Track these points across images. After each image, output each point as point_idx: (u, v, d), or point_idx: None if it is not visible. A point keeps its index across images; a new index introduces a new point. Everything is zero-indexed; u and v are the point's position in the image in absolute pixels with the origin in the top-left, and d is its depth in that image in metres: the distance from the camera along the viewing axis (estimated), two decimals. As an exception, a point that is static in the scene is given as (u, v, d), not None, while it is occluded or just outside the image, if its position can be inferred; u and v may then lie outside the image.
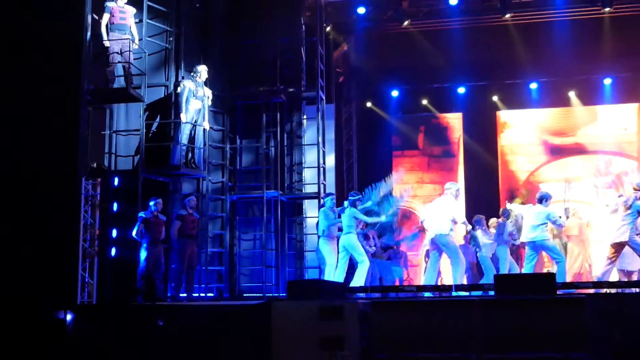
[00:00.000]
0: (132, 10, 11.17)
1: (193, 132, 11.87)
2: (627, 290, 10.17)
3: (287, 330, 6.81)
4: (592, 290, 9.90)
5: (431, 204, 11.91)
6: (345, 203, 11.24)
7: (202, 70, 11.89)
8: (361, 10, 14.03)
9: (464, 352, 6.86)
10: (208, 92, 12.05)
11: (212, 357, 7.86)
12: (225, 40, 13.26)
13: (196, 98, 11.79)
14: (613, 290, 9.97)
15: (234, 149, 13.44)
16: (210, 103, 12.19)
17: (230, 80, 13.31)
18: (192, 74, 11.95)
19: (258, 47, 13.19)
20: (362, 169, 16.63)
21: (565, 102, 17.04)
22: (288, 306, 7.04)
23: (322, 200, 11.99)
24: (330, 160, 14.16)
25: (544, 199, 10.81)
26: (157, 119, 11.97)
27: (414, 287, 9.79)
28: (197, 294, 11.74)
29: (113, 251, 10.83)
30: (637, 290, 10.03)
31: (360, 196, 11.42)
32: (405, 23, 14.13)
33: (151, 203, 10.58)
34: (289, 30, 13.35)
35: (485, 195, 15.94)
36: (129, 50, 10.92)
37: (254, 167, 13.45)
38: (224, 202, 13.12)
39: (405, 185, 17.33)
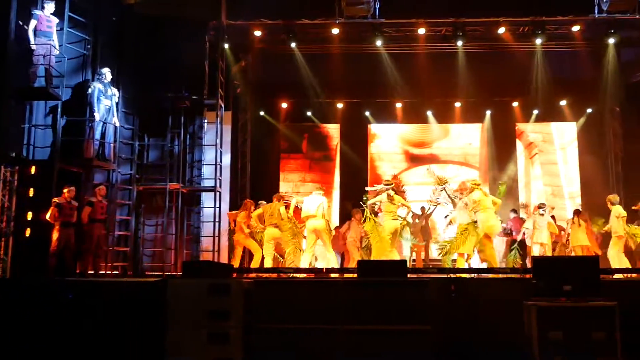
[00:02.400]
0: (56, 20, 10.88)
1: (104, 128, 11.64)
2: (464, 275, 10.64)
3: (181, 304, 6.75)
4: (436, 275, 10.24)
5: None
6: None
7: (107, 72, 11.72)
8: (257, 33, 14.05)
9: (330, 324, 7.00)
10: (115, 91, 11.88)
11: (115, 327, 7.73)
12: (138, 51, 12.96)
13: (106, 97, 11.61)
14: (452, 275, 10.35)
15: (142, 145, 13.21)
16: (117, 100, 11.99)
17: (141, 85, 13.01)
18: (97, 76, 11.72)
19: (167, 58, 12.97)
20: (254, 167, 16.66)
21: (423, 120, 17.69)
22: (182, 283, 6.99)
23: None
24: (226, 159, 14.16)
25: None
26: (72, 116, 11.59)
27: (292, 269, 9.89)
28: (103, 272, 11.47)
29: (28, 231, 10.42)
30: (471, 275, 10.51)
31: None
32: (294, 45, 14.26)
33: (65, 190, 10.25)
34: (195, 45, 13.19)
35: (356, 193, 16.23)
36: (51, 54, 10.61)
37: (159, 162, 13.26)
38: (132, 192, 12.86)
39: (290, 183, 17.62)
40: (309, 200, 11.46)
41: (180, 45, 12.93)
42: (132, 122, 12.99)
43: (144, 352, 7.46)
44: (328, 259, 11.27)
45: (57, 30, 10.94)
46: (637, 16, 13.06)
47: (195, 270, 7.28)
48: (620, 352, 6.43)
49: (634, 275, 10.35)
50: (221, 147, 13.48)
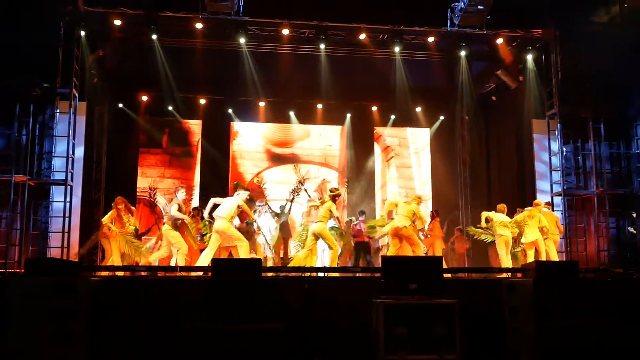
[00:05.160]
0: None
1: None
2: (320, 274, 10.90)
3: (22, 304, 6.39)
4: (290, 274, 10.38)
5: None
6: None
7: None
8: (117, 22, 13.50)
9: (182, 324, 6.91)
10: None
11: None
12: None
13: None
14: (307, 274, 10.52)
15: (-15, 134, 12.37)
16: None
17: (-15, 69, 12.16)
18: None
19: (17, 42, 12.13)
20: (111, 161, 16.05)
21: (286, 120, 17.91)
22: (24, 281, 6.62)
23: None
24: (80, 152, 13.47)
25: None
26: None
27: (143, 267, 9.65)
28: None
29: None
30: (324, 274, 10.81)
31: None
32: (155, 38, 13.88)
33: None
34: (48, 30, 12.47)
35: (216, 191, 16.06)
36: None
37: (4, 152, 12.44)
38: (-30, 183, 11.99)
39: (149, 178, 17.16)
40: (226, 202, 11.11)
41: (32, 30, 12.14)
42: (-28, 108, 12.11)
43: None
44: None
45: None
46: (485, 32, 14.01)
47: (39, 267, 6.90)
48: (459, 346, 6.87)
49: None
50: (74, 138, 12.86)
